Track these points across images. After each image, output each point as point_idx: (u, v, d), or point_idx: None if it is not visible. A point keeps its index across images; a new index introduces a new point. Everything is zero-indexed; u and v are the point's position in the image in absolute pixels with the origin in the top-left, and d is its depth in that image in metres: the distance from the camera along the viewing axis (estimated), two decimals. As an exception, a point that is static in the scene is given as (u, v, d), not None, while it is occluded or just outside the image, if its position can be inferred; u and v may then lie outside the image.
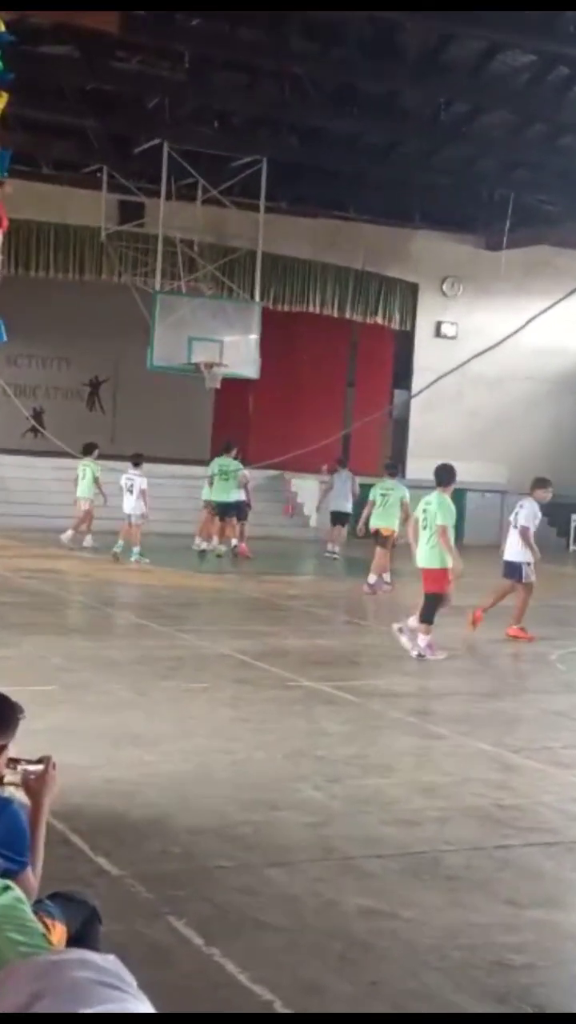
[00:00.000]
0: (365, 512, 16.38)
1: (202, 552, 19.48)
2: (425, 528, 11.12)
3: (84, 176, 23.24)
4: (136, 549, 17.63)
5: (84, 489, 18.92)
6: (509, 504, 25.41)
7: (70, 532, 18.94)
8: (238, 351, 22.42)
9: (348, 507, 20.39)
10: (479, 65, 17.38)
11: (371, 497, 16.32)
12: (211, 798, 6.27)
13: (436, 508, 11.03)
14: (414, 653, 10.90)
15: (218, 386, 22.86)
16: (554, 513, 26.06)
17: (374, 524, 16.04)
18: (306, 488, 24.30)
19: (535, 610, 13.83)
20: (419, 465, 25.63)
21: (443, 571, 11.02)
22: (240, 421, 27.92)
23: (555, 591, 18.24)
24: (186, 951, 4.40)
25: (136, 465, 18.24)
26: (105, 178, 22.75)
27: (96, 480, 18.93)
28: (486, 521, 25.09)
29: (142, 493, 17.80)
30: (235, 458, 19.81)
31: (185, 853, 5.44)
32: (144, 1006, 1.13)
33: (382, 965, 4.43)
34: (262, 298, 23.37)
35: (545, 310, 16.70)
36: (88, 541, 18.92)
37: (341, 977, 4.30)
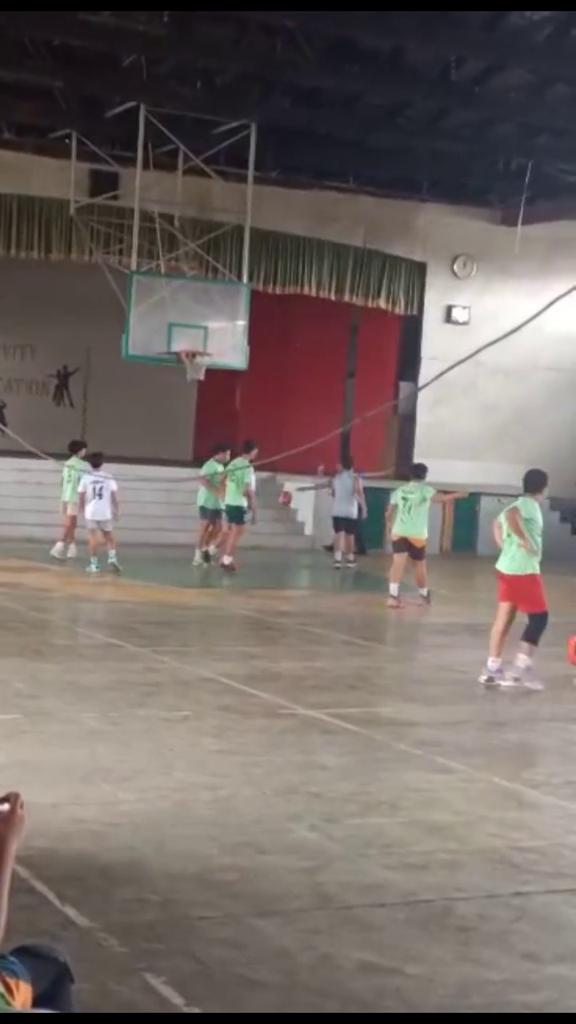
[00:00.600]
0: (388, 522, 16.70)
1: (205, 560, 19.69)
2: (509, 535, 11.55)
3: (51, 142, 23.25)
4: (113, 553, 17.72)
5: (70, 493, 18.87)
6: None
7: (59, 544, 18.98)
8: (224, 338, 22.41)
9: (353, 512, 20.56)
10: (494, 18, 17.40)
11: (392, 501, 16.63)
12: (192, 840, 6.27)
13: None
14: (503, 681, 10.99)
15: (201, 378, 22.83)
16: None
17: (400, 532, 16.29)
18: (301, 491, 24.29)
19: (552, 628, 13.79)
20: (428, 465, 25.71)
21: (531, 577, 11.41)
22: (226, 417, 27.94)
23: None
24: (164, 1012, 4.39)
25: (96, 466, 18.26)
26: (74, 145, 22.76)
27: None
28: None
29: (112, 496, 17.83)
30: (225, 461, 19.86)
31: (163, 902, 5.43)
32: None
33: (384, 1028, 4.42)
34: (251, 279, 23.37)
35: (569, 291, 16.74)
36: (71, 551, 18.96)
37: (338, 1041, 4.29)
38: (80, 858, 5.88)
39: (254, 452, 19.47)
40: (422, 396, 26.18)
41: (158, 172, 22.45)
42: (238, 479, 19.31)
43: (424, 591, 16.30)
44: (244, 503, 19.42)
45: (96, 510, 17.81)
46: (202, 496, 19.88)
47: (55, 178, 23.12)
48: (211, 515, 19.81)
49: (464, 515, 24.32)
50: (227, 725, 8.83)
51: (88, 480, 17.98)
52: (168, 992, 4.53)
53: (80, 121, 22.55)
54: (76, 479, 18.60)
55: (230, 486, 19.41)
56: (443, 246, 26.25)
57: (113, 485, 17.92)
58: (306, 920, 5.36)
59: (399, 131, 22.24)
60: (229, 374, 24.13)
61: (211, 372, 22.83)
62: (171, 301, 21.93)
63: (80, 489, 18.03)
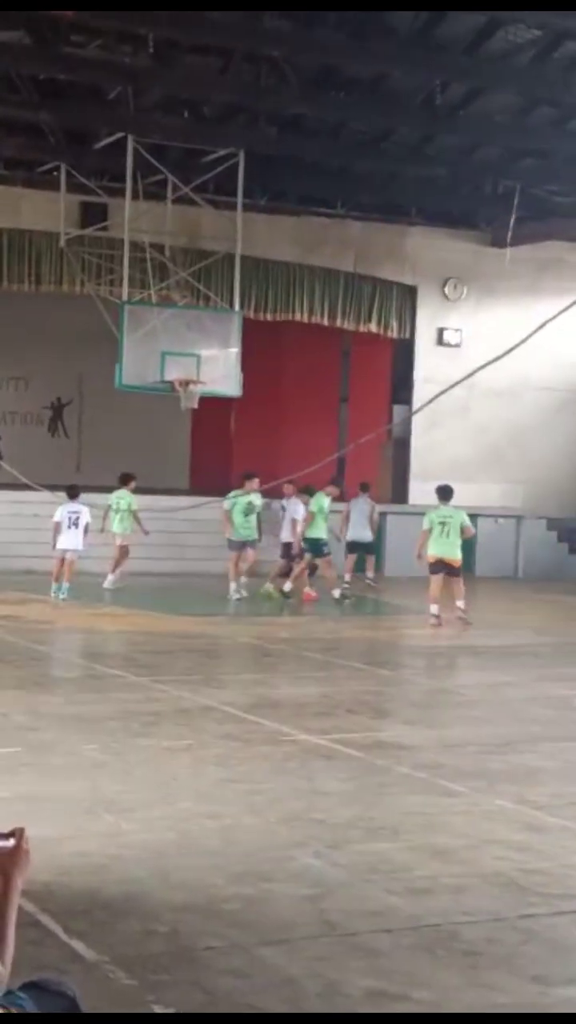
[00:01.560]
0: (420, 541, 17.08)
1: (239, 599, 18.94)
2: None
3: (40, 175, 23.36)
4: (66, 586, 17.76)
5: (120, 524, 19.48)
6: (526, 530, 25.69)
7: (111, 576, 19.39)
8: (217, 366, 22.47)
9: (368, 536, 20.83)
10: (477, 42, 17.53)
11: (425, 526, 17.01)
12: (197, 870, 6.25)
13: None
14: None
15: (195, 406, 22.88)
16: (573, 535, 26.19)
17: (438, 554, 16.76)
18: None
19: (559, 648, 13.85)
20: (423, 488, 25.77)
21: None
22: (221, 444, 28.01)
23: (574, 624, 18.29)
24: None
25: (73, 497, 18.41)
26: (63, 177, 22.87)
27: (134, 513, 19.58)
28: (500, 550, 25.16)
29: (86, 527, 18.09)
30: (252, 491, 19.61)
31: (169, 933, 5.41)
32: None
33: (394, 1055, 4.40)
34: (242, 306, 23.46)
35: (562, 311, 16.82)
36: (123, 581, 19.47)
37: (348, 1069, 4.27)
38: (84, 891, 5.86)
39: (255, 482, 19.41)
40: (416, 419, 26.25)
41: (147, 202, 22.55)
42: (320, 509, 19.17)
43: (462, 603, 16.72)
44: (324, 535, 19.29)
45: (69, 539, 17.92)
46: (241, 528, 19.21)
47: (45, 210, 23.21)
48: (239, 547, 19.25)
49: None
50: (229, 754, 8.81)
51: (64, 511, 18.14)
52: (176, 1024, 4.51)
53: (68, 154, 22.66)
54: (125, 511, 19.41)
55: (318, 519, 19.18)
56: (433, 269, 26.35)
57: (88, 516, 18.15)
58: (312, 948, 5.34)
59: (385, 157, 22.39)
60: (223, 402, 24.18)
61: (205, 400, 22.86)
62: (163, 330, 21.99)
63: (56, 519, 18.11)
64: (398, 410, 26.75)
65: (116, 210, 22.88)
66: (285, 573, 19.69)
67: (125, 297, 22.23)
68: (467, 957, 5.31)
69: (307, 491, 19.66)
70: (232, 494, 19.42)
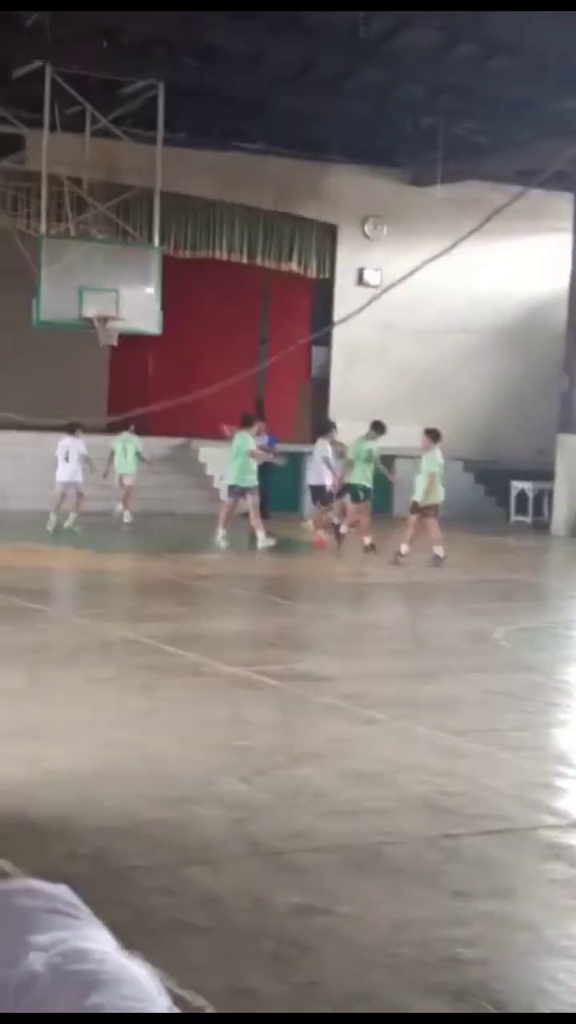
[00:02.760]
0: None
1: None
2: None
3: (-47, 105, 22.89)
4: (73, 516, 19.06)
5: (128, 465, 20.79)
6: (444, 471, 25.81)
7: (122, 508, 20.58)
8: (136, 303, 22.24)
9: (325, 480, 19.63)
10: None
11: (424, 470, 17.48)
12: (121, 795, 6.28)
13: None
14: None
15: (114, 343, 22.67)
16: (493, 481, 26.45)
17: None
18: (214, 457, 24.23)
19: (477, 585, 13.98)
20: (341, 427, 25.82)
21: None
22: (139, 383, 27.79)
23: (497, 566, 18.52)
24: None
25: (71, 432, 19.62)
26: (-22, 107, 22.43)
27: (138, 454, 20.90)
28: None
29: (82, 458, 19.44)
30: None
31: (95, 854, 5.45)
32: (103, 933, 1.15)
33: (321, 965, 4.49)
34: (162, 242, 23.23)
35: (443, 252, 16.85)
36: (127, 517, 20.52)
37: (276, 979, 4.35)
38: (9, 814, 5.87)
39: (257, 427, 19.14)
40: (335, 359, 26.28)
41: (66, 134, 22.15)
42: (362, 455, 18.65)
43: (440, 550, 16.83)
44: (364, 482, 18.61)
45: (61, 473, 19.26)
46: (236, 473, 18.53)
47: (-41, 141, 22.76)
48: (238, 493, 18.54)
49: (380, 477, 24.45)
50: (151, 684, 8.84)
51: (59, 445, 19.57)
52: (104, 939, 4.54)
53: (-17, 83, 22.20)
54: (133, 451, 20.85)
55: (358, 464, 18.60)
56: (353, 208, 26.24)
57: (82, 448, 19.42)
58: (237, 867, 5.41)
59: (306, 91, 22.17)
60: (142, 339, 23.95)
61: (123, 338, 22.66)
62: (81, 265, 21.70)
63: (57, 453, 19.52)
64: (317, 351, 26.74)
65: (33, 141, 22.45)
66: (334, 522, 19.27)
67: (43, 231, 21.90)
68: (390, 875, 5.41)
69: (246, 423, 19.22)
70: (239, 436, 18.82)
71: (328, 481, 19.45)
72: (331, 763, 7.09)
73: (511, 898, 5.27)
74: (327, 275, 26.44)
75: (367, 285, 26.44)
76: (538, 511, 24.97)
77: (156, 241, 22.87)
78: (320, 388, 26.79)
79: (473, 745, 7.60)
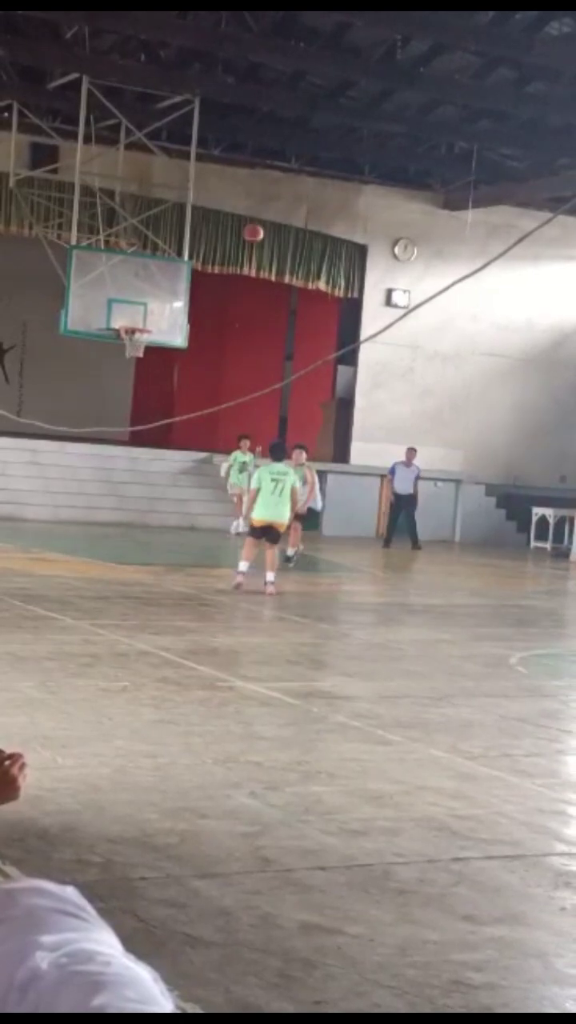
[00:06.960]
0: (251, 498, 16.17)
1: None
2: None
3: (-10, 113, 23.03)
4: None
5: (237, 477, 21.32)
6: (466, 494, 25.88)
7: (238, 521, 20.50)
8: (163, 316, 22.32)
9: (316, 504, 19.52)
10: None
11: (255, 485, 15.88)
12: (132, 805, 6.28)
13: None
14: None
15: (140, 355, 22.73)
16: (514, 506, 26.40)
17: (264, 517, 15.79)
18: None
19: (495, 610, 13.96)
20: (364, 448, 25.86)
21: None
22: (164, 396, 27.88)
23: (516, 590, 18.50)
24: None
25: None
26: (15, 116, 22.55)
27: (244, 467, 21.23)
28: (438, 513, 25.31)
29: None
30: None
31: (103, 863, 5.44)
32: (109, 936, 1.15)
33: (326, 984, 4.47)
34: (191, 257, 23.30)
35: (468, 276, 16.84)
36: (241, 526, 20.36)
37: (281, 996, 4.33)
38: (19, 821, 5.86)
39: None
40: (360, 380, 26.29)
41: (99, 146, 22.28)
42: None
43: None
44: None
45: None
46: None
47: (-6, 150, 22.90)
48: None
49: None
50: (165, 696, 8.84)
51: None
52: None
53: (21, 92, 22.34)
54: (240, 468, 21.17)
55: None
56: (384, 228, 26.29)
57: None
58: (247, 882, 5.39)
59: (342, 111, 22.25)
60: (168, 352, 24.03)
61: (150, 350, 22.72)
62: (111, 277, 21.80)
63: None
64: (343, 370, 26.75)
65: (67, 152, 22.60)
66: None
67: (74, 241, 22.01)
68: (399, 896, 5.39)
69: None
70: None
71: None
72: (343, 782, 7.07)
73: (520, 924, 5.24)
74: (355, 295, 26.47)
75: (395, 306, 26.46)
76: (558, 538, 24.92)
77: (186, 255, 22.94)
78: (344, 407, 26.79)
79: (486, 769, 7.57)
